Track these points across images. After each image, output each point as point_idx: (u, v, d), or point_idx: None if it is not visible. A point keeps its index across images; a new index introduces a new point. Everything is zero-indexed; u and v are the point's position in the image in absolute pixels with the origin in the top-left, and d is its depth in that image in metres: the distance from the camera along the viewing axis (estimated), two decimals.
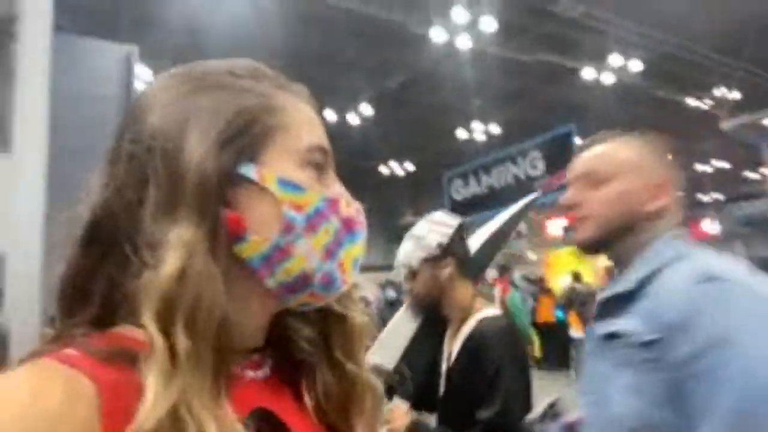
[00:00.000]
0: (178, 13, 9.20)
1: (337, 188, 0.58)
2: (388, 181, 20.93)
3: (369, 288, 16.28)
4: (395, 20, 10.41)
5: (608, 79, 12.87)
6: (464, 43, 10.58)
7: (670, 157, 1.28)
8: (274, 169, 0.53)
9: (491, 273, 11.85)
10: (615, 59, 12.13)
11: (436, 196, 17.21)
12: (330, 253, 0.54)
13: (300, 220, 0.52)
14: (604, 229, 1.22)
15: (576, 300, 7.79)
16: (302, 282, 0.53)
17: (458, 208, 15.61)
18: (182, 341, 0.43)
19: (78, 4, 6.93)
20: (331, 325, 0.61)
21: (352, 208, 0.58)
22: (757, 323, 0.86)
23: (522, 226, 25.16)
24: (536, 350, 12.06)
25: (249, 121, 0.53)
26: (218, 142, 0.50)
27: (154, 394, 0.40)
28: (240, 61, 0.59)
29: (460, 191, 15.40)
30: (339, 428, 0.59)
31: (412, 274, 2.02)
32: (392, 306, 12.81)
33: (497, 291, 6.42)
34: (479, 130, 16.28)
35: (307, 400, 0.59)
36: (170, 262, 0.45)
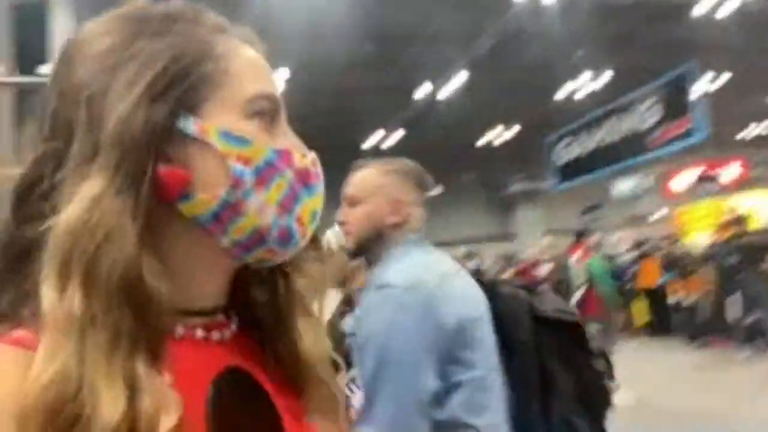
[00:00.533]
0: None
1: (289, 139, 0.54)
2: (492, 149, 20.38)
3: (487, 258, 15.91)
4: None
5: (727, 8, 11.31)
6: None
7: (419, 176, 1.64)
8: (216, 122, 0.49)
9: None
10: None
11: (542, 160, 16.44)
12: (286, 207, 0.51)
13: (249, 175, 0.49)
14: (358, 241, 1.58)
15: (680, 263, 7.05)
16: (257, 239, 0.51)
17: (563, 173, 14.79)
18: (78, 299, 0.40)
19: None
20: (279, 283, 0.58)
21: (307, 159, 0.54)
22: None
23: (645, 183, 23.18)
24: (639, 316, 11.22)
25: (185, 69, 0.49)
26: (149, 93, 0.46)
27: (42, 358, 0.39)
28: (178, 3, 0.53)
29: (563, 155, 14.59)
30: (304, 385, 0.57)
31: None
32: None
33: (574, 258, 6.03)
34: (584, 85, 15.20)
35: (281, 348, 0.57)
36: (71, 209, 0.42)
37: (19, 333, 0.43)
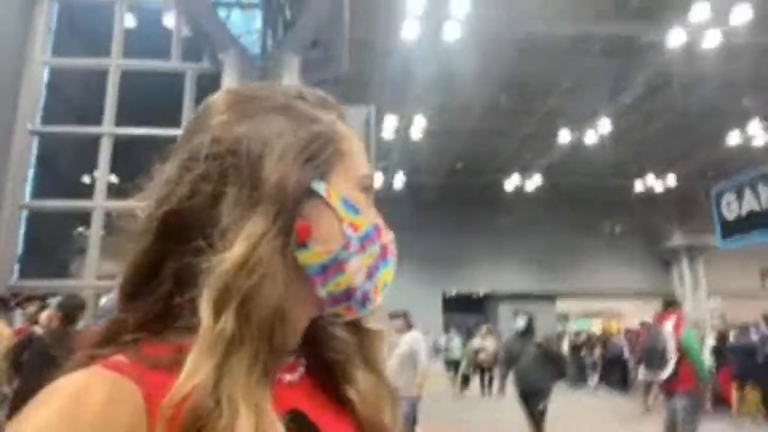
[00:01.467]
0: (406, 62, 10.48)
1: (376, 217, 0.61)
2: (645, 199, 18.94)
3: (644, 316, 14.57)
4: (623, 35, 9.89)
5: None
6: (711, 40, 9.33)
7: None
8: (339, 189, 0.57)
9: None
10: None
11: (706, 212, 14.89)
12: (370, 274, 0.57)
13: (356, 240, 0.56)
14: None
15: None
16: (346, 295, 0.57)
17: (732, 228, 13.22)
18: (230, 324, 0.46)
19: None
20: (361, 332, 0.64)
21: (389, 236, 0.61)
22: None
23: None
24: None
25: (323, 144, 0.58)
26: (299, 159, 0.55)
27: (189, 367, 0.44)
28: (307, 89, 0.63)
29: (733, 208, 13.08)
30: (374, 428, 0.61)
31: None
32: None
33: (669, 327, 5.37)
34: (756, 133, 13.60)
35: (353, 394, 0.61)
36: (238, 247, 0.49)
37: (119, 358, 0.47)
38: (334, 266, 0.55)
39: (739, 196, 12.85)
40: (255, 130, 0.56)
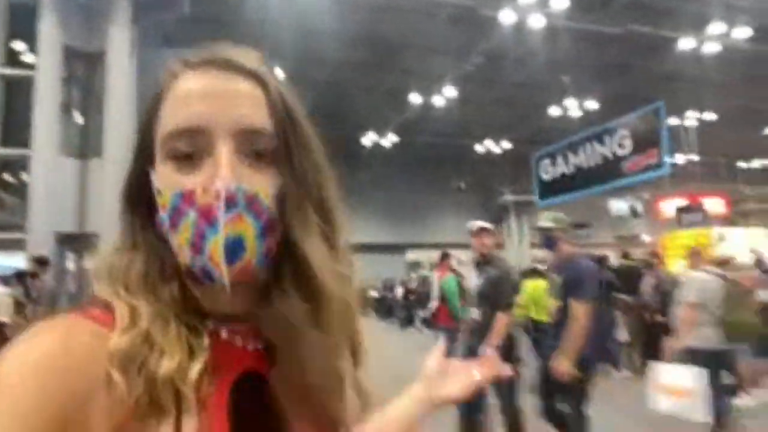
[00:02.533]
0: (258, 6, 10.26)
1: (206, 172, 0.52)
2: (485, 160, 20.93)
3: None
4: (466, 5, 10.66)
5: (711, 48, 11.80)
6: (537, 21, 10.51)
7: None
8: (157, 174, 0.55)
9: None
10: (716, 27, 11.11)
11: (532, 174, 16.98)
12: (197, 247, 0.52)
13: (165, 220, 0.53)
14: None
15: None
16: (193, 276, 0.54)
17: (547, 189, 15.38)
18: (128, 299, 0.53)
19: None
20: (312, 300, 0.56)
21: (209, 194, 0.51)
22: None
23: (638, 206, 23.66)
24: None
25: (148, 123, 0.56)
26: (133, 155, 0.56)
27: (121, 328, 0.51)
28: (196, 51, 0.57)
29: (549, 171, 15.16)
30: (321, 391, 0.59)
31: None
32: None
33: (436, 276, 6.84)
34: (574, 107, 15.72)
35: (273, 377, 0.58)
36: (99, 256, 0.57)
37: (95, 311, 0.52)
38: (175, 251, 0.55)
39: (554, 161, 14.91)
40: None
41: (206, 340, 0.53)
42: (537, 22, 10.68)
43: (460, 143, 19.53)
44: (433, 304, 6.43)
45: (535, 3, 10.11)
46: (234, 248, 0.51)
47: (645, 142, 11.76)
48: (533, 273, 7.36)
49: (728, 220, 20.29)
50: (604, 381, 6.61)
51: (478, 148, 19.94)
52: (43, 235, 6.09)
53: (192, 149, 0.53)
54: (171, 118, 0.54)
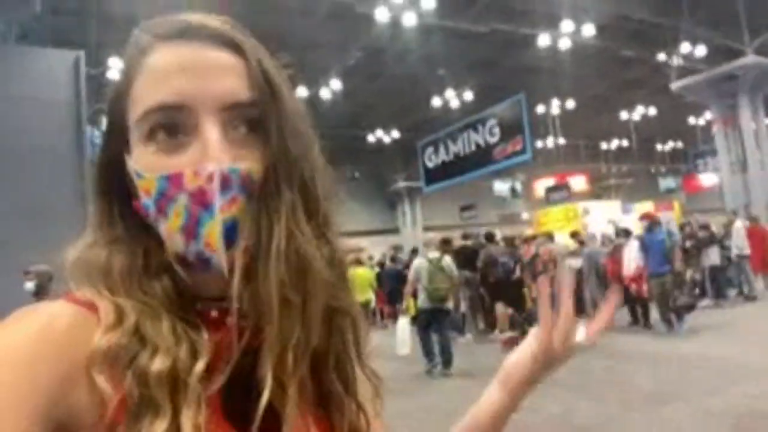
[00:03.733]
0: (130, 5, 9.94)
1: (194, 152, 0.49)
2: (377, 150, 21.63)
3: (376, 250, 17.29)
4: (343, 2, 11.05)
5: (565, 44, 13.21)
6: (409, 19, 11.16)
7: None
8: (134, 156, 0.51)
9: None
10: (568, 25, 12.47)
11: None
12: (190, 233, 0.49)
13: (151, 206, 0.50)
14: None
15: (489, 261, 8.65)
16: (186, 263, 0.51)
17: (431, 175, 16.40)
18: (114, 299, 0.50)
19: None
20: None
21: (200, 177, 0.48)
22: None
23: (518, 186, 25.74)
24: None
25: (118, 106, 0.53)
26: (104, 142, 0.54)
27: (105, 326, 0.48)
28: (138, 28, 0.55)
29: (432, 159, 16.15)
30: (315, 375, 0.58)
31: None
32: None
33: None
34: (453, 98, 16.79)
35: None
36: (72, 252, 0.53)
37: (82, 296, 0.50)
38: (164, 239, 0.51)
39: (436, 149, 15.90)
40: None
41: (205, 335, 0.50)
42: (409, 20, 11.33)
43: (351, 134, 20.02)
44: None
45: (405, 2, 10.73)
46: (232, 231, 0.49)
47: (511, 130, 12.99)
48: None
49: (591, 196, 22.90)
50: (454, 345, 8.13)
51: (370, 138, 20.56)
52: None
53: (173, 128, 0.50)
54: (147, 95, 0.50)
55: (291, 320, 0.52)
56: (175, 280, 0.52)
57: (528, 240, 7.81)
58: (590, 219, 19.05)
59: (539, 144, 22.70)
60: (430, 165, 16.19)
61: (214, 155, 0.48)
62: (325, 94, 15.39)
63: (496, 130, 13.46)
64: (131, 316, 0.49)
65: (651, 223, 8.25)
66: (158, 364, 0.46)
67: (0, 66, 6.72)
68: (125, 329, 0.48)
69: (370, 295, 9.80)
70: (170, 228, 0.50)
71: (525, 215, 24.68)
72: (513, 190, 25.74)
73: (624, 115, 21.28)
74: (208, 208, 0.49)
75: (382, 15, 11.14)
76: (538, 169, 22.81)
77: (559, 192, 21.09)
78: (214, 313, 0.54)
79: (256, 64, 0.53)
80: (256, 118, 0.52)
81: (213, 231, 0.49)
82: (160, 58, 0.51)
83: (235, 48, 0.53)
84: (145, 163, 0.50)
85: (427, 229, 23.64)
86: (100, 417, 0.45)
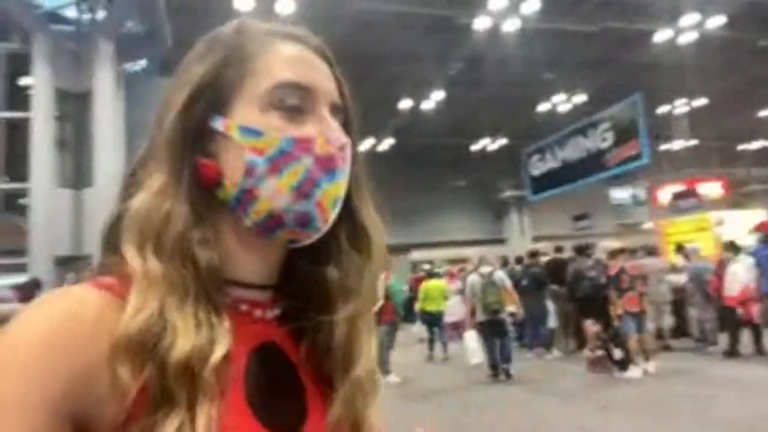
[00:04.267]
0: None
1: (322, 126, 0.56)
2: (482, 158, 21.27)
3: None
4: (441, 15, 11.09)
5: (689, 37, 12.04)
6: (512, 24, 10.92)
7: None
8: (238, 118, 0.55)
9: None
10: (691, 17, 11.37)
11: None
12: (303, 192, 0.54)
13: (261, 163, 0.54)
14: None
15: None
16: (274, 221, 0.55)
17: (538, 183, 15.71)
18: (153, 264, 0.50)
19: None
20: (344, 268, 0.62)
21: (331, 145, 0.55)
22: None
23: (640, 193, 23.75)
24: None
25: (216, 75, 0.56)
26: (189, 99, 0.55)
27: (133, 307, 0.48)
28: (232, 23, 0.61)
29: (539, 167, 15.50)
30: (333, 377, 0.61)
31: None
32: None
33: (381, 278, 8.11)
34: (563, 102, 16.03)
35: (303, 348, 0.61)
36: (137, 199, 0.54)
37: (110, 280, 0.51)
38: (245, 196, 0.55)
39: (543, 156, 15.26)
40: (173, 81, 0.59)
41: (227, 322, 0.52)
42: (511, 26, 11.06)
43: (455, 143, 19.93)
44: (380, 302, 7.73)
45: (507, 8, 10.48)
46: (337, 202, 0.57)
47: (625, 134, 12.09)
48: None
49: (728, 204, 20.32)
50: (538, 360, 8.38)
51: (474, 146, 20.29)
52: (43, 258, 6.67)
53: (300, 104, 0.56)
54: (278, 72, 0.56)
55: (343, 318, 0.60)
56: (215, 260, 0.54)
57: (615, 254, 7.16)
58: (725, 230, 17.02)
59: (663, 147, 20.83)
60: (536, 173, 15.57)
61: (336, 133, 0.56)
62: (428, 105, 15.51)
63: (609, 134, 12.59)
64: (157, 294, 0.49)
65: (766, 235, 7.18)
66: (178, 351, 0.47)
67: (147, 97, 7.65)
68: (150, 314, 0.48)
69: (444, 306, 9.86)
70: (281, 185, 0.54)
71: (648, 225, 22.68)
72: (635, 198, 23.80)
73: (764, 113, 18.80)
74: (331, 173, 0.55)
75: (482, 24, 10.99)
76: (664, 175, 20.88)
77: (687, 199, 19.04)
78: (244, 306, 0.57)
79: (341, 77, 0.62)
80: (341, 123, 0.59)
81: (330, 193, 0.56)
82: (289, 47, 0.58)
83: (329, 61, 0.61)
84: (266, 124, 0.55)
85: (536, 239, 22.65)
86: (121, 410, 0.45)
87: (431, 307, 9.53)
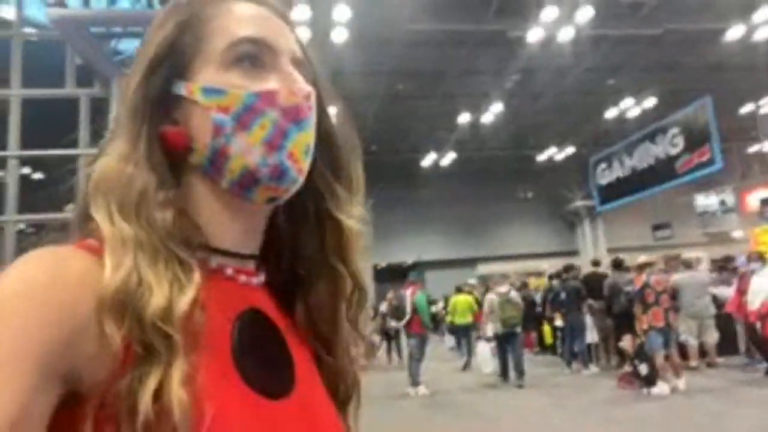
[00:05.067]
0: None
1: (285, 78, 0.56)
2: (548, 168, 20.80)
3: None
4: (493, 29, 11.21)
5: (763, 33, 11.29)
6: (566, 33, 10.83)
7: None
8: (200, 80, 0.55)
9: None
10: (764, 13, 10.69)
11: None
12: (274, 145, 0.54)
13: (228, 121, 0.54)
14: None
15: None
16: (249, 177, 0.55)
17: (605, 193, 15.14)
18: (122, 225, 0.50)
19: None
20: (327, 231, 0.63)
21: (296, 96, 0.56)
22: None
23: (729, 199, 22.06)
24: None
25: (173, 41, 0.56)
26: (149, 67, 0.56)
27: (110, 266, 0.48)
28: None
29: (606, 175, 14.97)
30: (324, 337, 0.63)
31: None
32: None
33: (408, 293, 8.36)
34: (632, 107, 15.43)
35: (299, 310, 0.62)
36: (99, 164, 0.54)
37: (91, 242, 0.52)
38: (217, 156, 0.55)
39: (610, 165, 14.76)
40: (136, 52, 0.60)
41: (197, 274, 0.51)
42: (566, 35, 10.95)
43: (518, 154, 19.68)
44: (408, 316, 8.36)
45: (560, 17, 10.41)
46: (308, 150, 0.57)
47: (696, 138, 11.51)
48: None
49: None
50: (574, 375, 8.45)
51: (540, 156, 19.91)
52: None
53: (258, 59, 0.56)
54: (233, 30, 0.56)
55: (324, 287, 0.63)
56: (183, 221, 0.54)
57: (641, 267, 6.87)
58: None
59: (751, 149, 19.35)
60: (603, 182, 15.06)
61: (300, 84, 0.57)
62: (487, 118, 15.52)
63: (679, 139, 12.01)
64: (130, 252, 0.50)
65: None
66: (152, 305, 0.47)
67: None
68: (127, 269, 0.48)
69: (470, 319, 10.31)
70: (252, 140, 0.54)
71: (738, 233, 21.00)
72: (723, 204, 22.13)
73: None
74: (300, 123, 0.56)
75: (536, 35, 10.96)
76: (753, 179, 19.38)
77: None
78: (229, 271, 0.58)
79: (300, 39, 0.63)
80: (305, 75, 0.60)
81: (301, 142, 0.56)
82: (243, 7, 0.59)
83: (289, 22, 0.63)
84: (227, 83, 0.55)
85: (611, 250, 21.67)
86: (109, 366, 0.45)
87: (460, 320, 10.41)
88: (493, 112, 15.12)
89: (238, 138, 0.54)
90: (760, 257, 7.48)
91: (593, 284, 8.55)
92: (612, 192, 14.70)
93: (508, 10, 10.80)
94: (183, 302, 0.49)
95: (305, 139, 0.56)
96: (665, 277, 7.05)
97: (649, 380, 6.36)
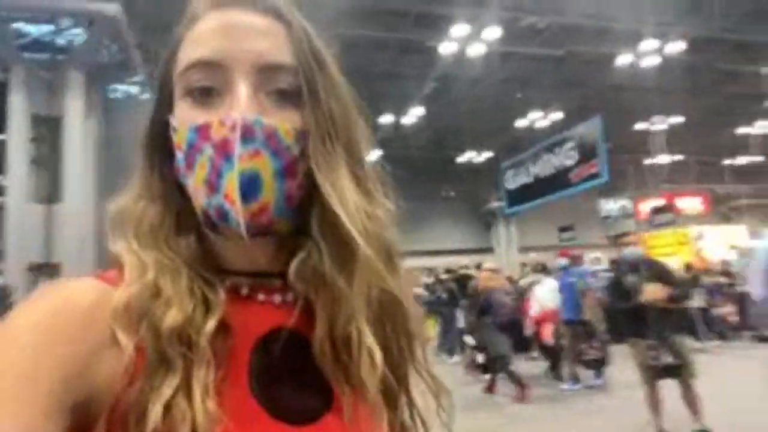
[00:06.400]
0: None
1: (226, 104, 0.51)
2: (469, 170, 21.83)
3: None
4: (413, 38, 11.79)
5: (651, 61, 12.60)
6: (476, 49, 11.55)
7: None
8: (174, 115, 0.54)
9: None
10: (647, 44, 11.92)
11: None
12: (212, 185, 0.50)
13: (181, 161, 0.52)
14: None
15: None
16: (207, 219, 0.52)
17: (513, 197, 16.28)
18: (140, 252, 0.52)
19: None
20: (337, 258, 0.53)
21: (224, 126, 0.49)
22: None
23: (627, 205, 24.07)
24: None
25: (164, 74, 0.56)
26: (155, 103, 0.56)
27: (128, 280, 0.49)
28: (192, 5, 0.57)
29: (514, 180, 16.08)
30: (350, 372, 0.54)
31: None
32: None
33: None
34: (539, 119, 16.59)
35: (319, 329, 0.54)
36: (115, 203, 0.56)
37: (109, 272, 0.52)
38: (191, 195, 0.53)
39: (517, 171, 15.85)
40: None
41: (222, 295, 0.51)
42: (476, 50, 11.70)
43: (440, 156, 20.59)
44: None
45: (469, 34, 11.14)
46: (250, 185, 0.49)
47: (587, 153, 12.67)
48: None
49: (717, 218, 20.57)
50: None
51: (460, 159, 20.89)
52: (17, 265, 7.55)
53: (210, 84, 0.51)
54: (188, 55, 0.52)
55: (339, 306, 0.53)
56: (204, 244, 0.54)
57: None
58: (705, 244, 17.36)
59: (648, 161, 21.22)
60: (511, 186, 16.16)
61: (240, 107, 0.49)
62: (409, 119, 16.17)
63: (574, 152, 13.18)
64: (151, 271, 0.49)
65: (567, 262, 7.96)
66: (171, 318, 0.46)
67: (133, 118, 8.53)
68: (144, 284, 0.48)
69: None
70: (196, 181, 0.51)
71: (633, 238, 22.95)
72: (623, 210, 24.13)
73: (743, 130, 19.16)
74: (229, 158, 0.49)
75: (448, 48, 11.63)
76: (647, 189, 21.31)
77: (665, 214, 19.48)
78: (244, 291, 0.55)
79: (301, 34, 0.55)
80: (295, 85, 0.53)
81: (232, 182, 0.48)
82: (207, 22, 0.54)
83: (280, 17, 0.55)
84: (179, 116, 0.52)
85: (522, 250, 23.16)
86: (123, 378, 0.45)
87: None
88: (415, 114, 15.78)
89: (189, 179, 0.52)
90: (543, 269, 8.69)
91: (464, 285, 9.64)
92: (519, 196, 15.83)
93: (423, 23, 11.42)
94: (212, 321, 0.49)
95: (236, 177, 0.49)
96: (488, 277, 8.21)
97: (485, 368, 7.48)
